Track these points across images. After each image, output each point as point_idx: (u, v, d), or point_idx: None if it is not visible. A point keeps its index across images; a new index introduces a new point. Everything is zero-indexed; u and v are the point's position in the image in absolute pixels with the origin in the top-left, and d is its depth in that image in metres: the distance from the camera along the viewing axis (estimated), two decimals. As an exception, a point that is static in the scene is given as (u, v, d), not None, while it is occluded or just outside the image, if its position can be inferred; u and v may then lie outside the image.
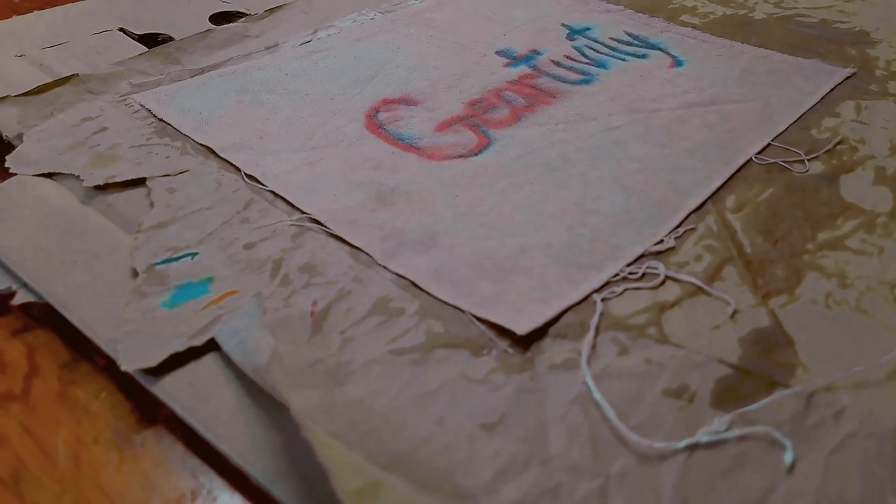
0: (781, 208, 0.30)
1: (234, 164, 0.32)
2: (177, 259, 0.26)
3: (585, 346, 0.23)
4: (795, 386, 0.22)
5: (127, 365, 0.22)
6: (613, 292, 0.25)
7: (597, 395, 0.21)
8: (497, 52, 0.42)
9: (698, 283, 0.26)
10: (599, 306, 0.25)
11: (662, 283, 0.26)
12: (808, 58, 0.41)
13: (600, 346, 0.23)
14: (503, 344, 0.23)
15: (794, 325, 0.24)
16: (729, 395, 0.21)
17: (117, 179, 0.30)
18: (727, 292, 0.25)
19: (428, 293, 0.25)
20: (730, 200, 0.30)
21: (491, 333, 0.23)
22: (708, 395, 0.21)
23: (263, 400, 0.21)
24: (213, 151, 0.32)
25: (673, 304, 0.25)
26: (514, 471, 0.19)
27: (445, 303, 0.25)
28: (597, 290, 0.25)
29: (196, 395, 0.21)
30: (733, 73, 0.39)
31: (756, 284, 0.26)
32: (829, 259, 0.27)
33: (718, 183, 0.31)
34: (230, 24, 0.44)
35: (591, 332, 0.23)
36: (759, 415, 0.21)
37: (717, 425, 0.20)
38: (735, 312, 0.24)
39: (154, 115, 0.35)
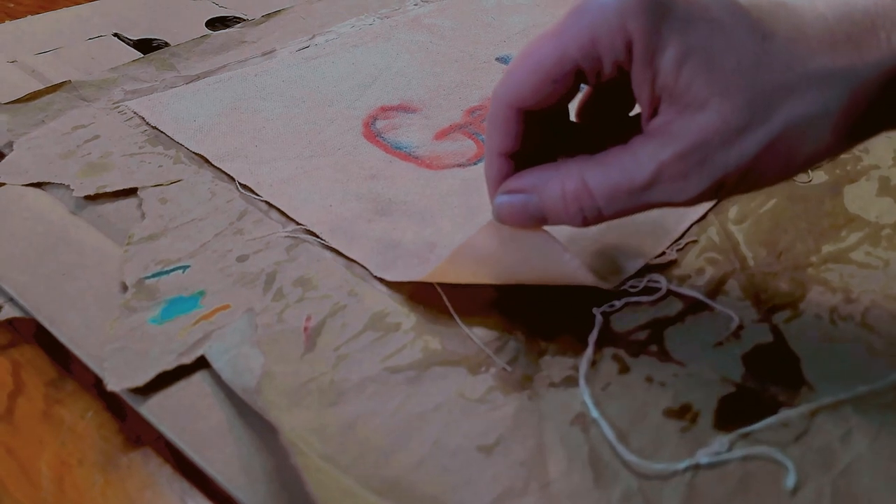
0: (785, 220, 0.29)
1: (229, 173, 0.31)
2: (168, 272, 0.26)
3: (584, 364, 0.22)
4: (800, 405, 0.21)
5: (113, 384, 0.21)
6: (613, 306, 0.25)
7: (596, 415, 0.21)
8: (497, 59, 0.41)
9: (701, 297, 0.25)
10: (599, 320, 0.24)
11: (664, 297, 0.25)
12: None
13: (600, 364, 0.23)
14: (501, 361, 0.23)
15: (799, 341, 0.23)
16: (733, 414, 0.21)
17: (108, 189, 0.30)
18: (730, 306, 0.25)
19: (424, 305, 0.24)
20: (732, 211, 0.29)
21: (489, 350, 0.23)
22: (711, 415, 0.21)
23: (254, 421, 0.21)
24: (207, 160, 0.32)
25: (675, 320, 0.24)
26: (512, 495, 0.19)
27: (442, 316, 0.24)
28: (596, 304, 0.25)
29: (184, 416, 0.21)
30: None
31: (759, 299, 0.25)
32: (834, 272, 0.26)
33: (721, 193, 0.30)
34: (226, 30, 0.44)
35: (590, 349, 0.23)
36: (763, 435, 0.20)
37: (717, 446, 0.20)
38: (739, 328, 0.24)
39: (147, 123, 0.34)
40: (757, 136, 0.18)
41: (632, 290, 0.25)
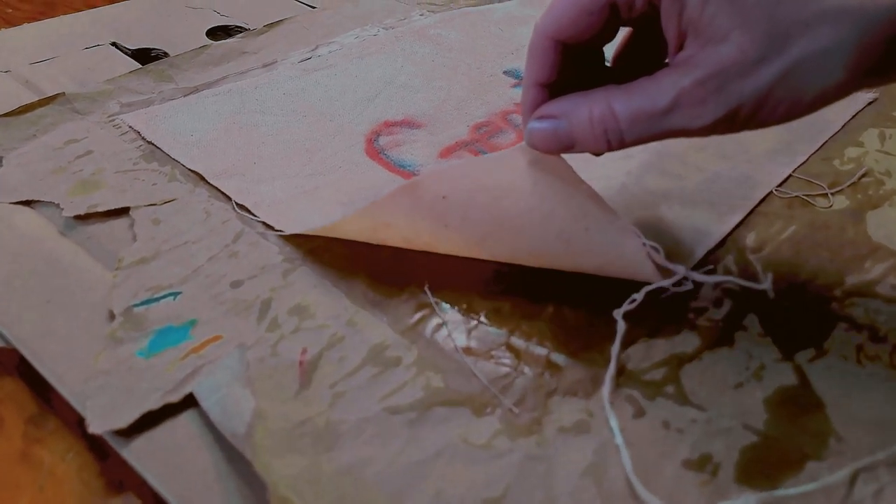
0: (805, 248, 0.28)
1: (225, 192, 0.30)
2: (157, 300, 0.24)
3: (607, 386, 0.21)
4: (828, 459, 0.20)
5: (96, 426, 0.20)
6: (634, 300, 0.23)
7: (627, 461, 0.19)
8: (504, 72, 0.40)
9: (737, 280, 0.23)
10: (621, 325, 0.22)
11: (683, 281, 0.24)
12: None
13: (614, 405, 0.21)
14: (508, 401, 0.21)
15: (824, 383, 0.22)
16: (756, 467, 0.20)
17: (100, 209, 0.28)
18: (750, 343, 0.23)
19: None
20: (750, 238, 0.28)
21: (494, 390, 0.22)
22: (733, 467, 0.20)
23: (243, 467, 0.19)
24: (203, 178, 0.31)
25: (692, 357, 0.23)
26: (518, 555, 0.18)
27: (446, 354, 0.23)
28: (611, 312, 0.23)
29: (170, 460, 0.19)
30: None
31: (780, 336, 0.24)
32: (859, 307, 0.25)
33: (738, 219, 0.29)
34: (227, 40, 0.43)
35: (613, 362, 0.22)
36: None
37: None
38: (760, 368, 0.23)
39: (143, 138, 0.33)
40: (772, 67, 0.19)
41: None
